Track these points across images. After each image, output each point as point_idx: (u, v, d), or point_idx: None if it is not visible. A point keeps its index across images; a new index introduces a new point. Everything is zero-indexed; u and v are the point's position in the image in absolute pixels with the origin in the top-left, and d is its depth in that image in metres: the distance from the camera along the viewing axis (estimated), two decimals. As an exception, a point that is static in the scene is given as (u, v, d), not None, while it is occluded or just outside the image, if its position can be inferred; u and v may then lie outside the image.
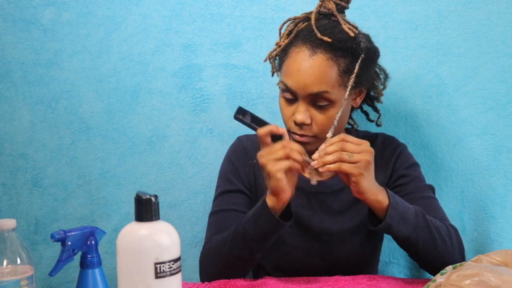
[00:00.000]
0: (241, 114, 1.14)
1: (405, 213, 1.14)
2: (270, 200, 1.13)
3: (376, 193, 1.11)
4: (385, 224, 1.12)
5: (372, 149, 1.11)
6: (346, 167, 1.08)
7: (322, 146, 1.11)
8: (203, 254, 1.27)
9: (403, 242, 1.19)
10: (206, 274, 1.23)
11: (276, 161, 1.09)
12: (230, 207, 1.29)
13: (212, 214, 1.32)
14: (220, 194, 1.33)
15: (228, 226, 1.24)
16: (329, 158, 1.09)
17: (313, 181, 1.15)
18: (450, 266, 0.99)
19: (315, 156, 1.11)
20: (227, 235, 1.21)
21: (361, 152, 1.09)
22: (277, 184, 1.10)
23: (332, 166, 1.09)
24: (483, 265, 0.90)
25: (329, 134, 1.17)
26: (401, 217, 1.13)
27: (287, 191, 1.11)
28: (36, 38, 1.57)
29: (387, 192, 1.14)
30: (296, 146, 1.11)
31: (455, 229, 1.23)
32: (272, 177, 1.09)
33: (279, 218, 1.13)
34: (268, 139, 1.12)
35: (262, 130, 1.11)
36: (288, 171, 1.10)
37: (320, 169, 1.10)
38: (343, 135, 1.11)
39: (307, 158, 1.12)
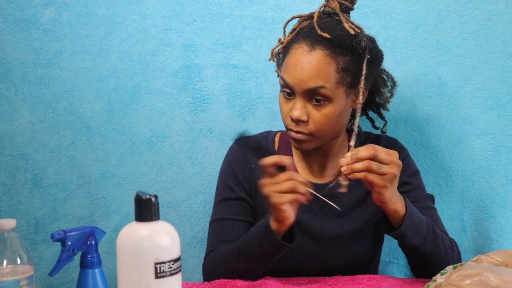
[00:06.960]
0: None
1: (419, 224, 1.15)
2: (273, 225, 1.12)
3: (395, 203, 1.12)
4: (399, 232, 1.13)
5: (400, 163, 1.10)
6: (372, 177, 1.07)
7: (349, 154, 1.10)
8: (208, 264, 1.27)
9: (411, 250, 1.20)
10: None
11: (281, 193, 1.08)
12: (231, 216, 1.29)
13: (213, 222, 1.32)
14: (221, 201, 1.32)
15: (230, 236, 1.24)
16: (358, 165, 1.08)
17: (343, 189, 1.14)
18: (450, 266, 0.99)
19: (344, 161, 1.10)
20: (230, 253, 1.20)
21: (390, 164, 1.08)
22: (282, 214, 1.09)
23: (358, 174, 1.08)
24: (483, 265, 0.90)
25: (352, 142, 1.18)
26: (415, 227, 1.14)
27: (290, 218, 1.11)
28: (36, 38, 1.57)
29: (405, 200, 1.14)
30: (301, 178, 1.09)
31: (455, 242, 1.25)
32: (277, 209, 1.09)
33: (283, 242, 1.13)
34: (272, 169, 1.09)
35: (266, 162, 1.09)
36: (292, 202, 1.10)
37: (348, 176, 1.10)
38: (371, 145, 1.09)
39: (311, 190, 1.10)
